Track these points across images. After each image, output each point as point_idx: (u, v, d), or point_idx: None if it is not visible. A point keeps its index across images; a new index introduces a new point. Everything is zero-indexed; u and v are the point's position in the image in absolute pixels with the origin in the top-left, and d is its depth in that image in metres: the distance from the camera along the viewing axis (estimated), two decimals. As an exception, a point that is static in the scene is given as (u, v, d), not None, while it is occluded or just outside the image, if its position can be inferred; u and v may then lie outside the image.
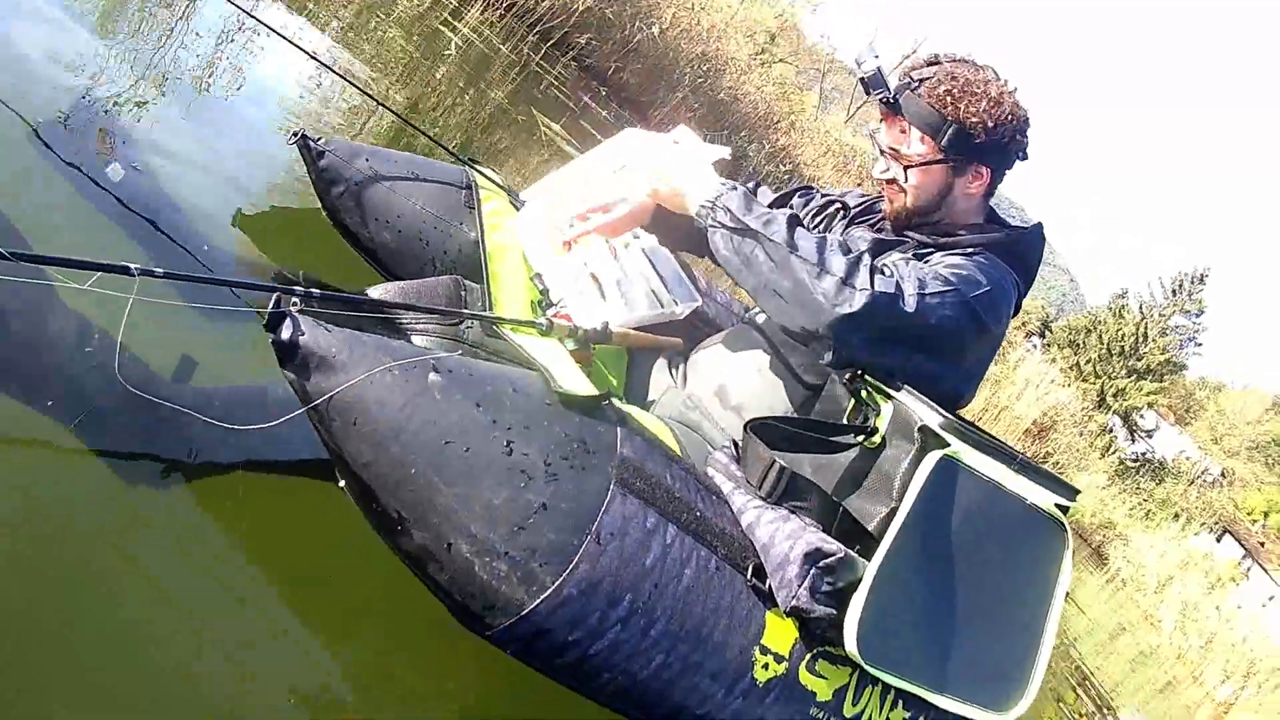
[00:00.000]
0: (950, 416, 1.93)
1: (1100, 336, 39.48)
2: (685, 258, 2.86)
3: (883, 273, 1.99)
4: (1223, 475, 49.52)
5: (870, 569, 1.81)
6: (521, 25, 9.04)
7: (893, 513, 1.87)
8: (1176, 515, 30.18)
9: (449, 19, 7.28)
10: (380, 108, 4.19)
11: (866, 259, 1.99)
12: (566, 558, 1.58)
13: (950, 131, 2.16)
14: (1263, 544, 43.74)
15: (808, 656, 1.89)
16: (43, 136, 2.30)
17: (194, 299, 1.94)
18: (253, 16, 3.20)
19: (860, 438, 2.03)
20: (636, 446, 1.77)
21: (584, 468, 1.63)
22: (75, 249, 1.41)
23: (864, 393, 2.06)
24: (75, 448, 1.65)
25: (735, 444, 2.19)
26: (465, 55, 6.73)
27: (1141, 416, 38.80)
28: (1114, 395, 37.45)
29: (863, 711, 1.98)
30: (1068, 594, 2.22)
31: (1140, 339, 38.31)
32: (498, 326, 2.02)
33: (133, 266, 1.39)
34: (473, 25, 7.67)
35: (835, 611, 1.81)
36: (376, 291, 2.24)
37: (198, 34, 3.52)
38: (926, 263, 2.17)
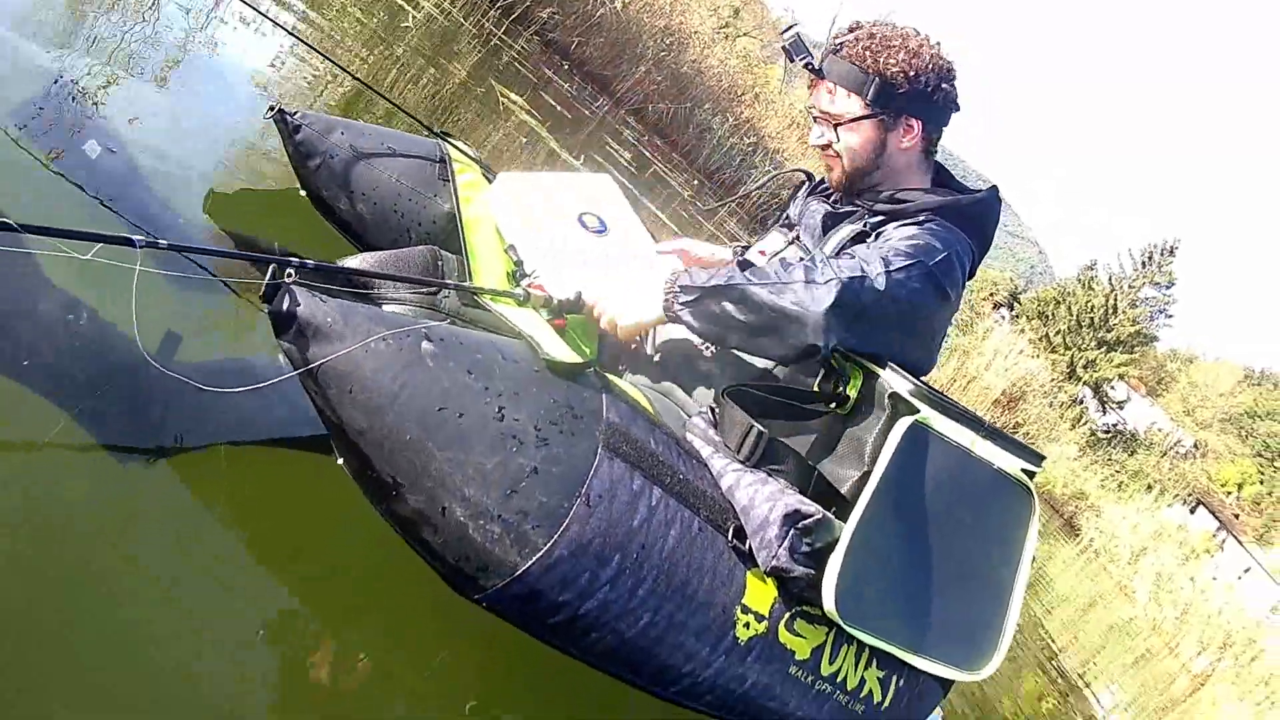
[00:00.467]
0: (920, 384, 2.03)
1: (1070, 308, 39.61)
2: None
3: (841, 259, 2.09)
4: (1195, 447, 49.87)
5: (846, 530, 1.90)
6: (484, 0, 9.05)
7: (865, 476, 1.97)
8: (1149, 487, 30.40)
9: (410, -7, 7.29)
10: (341, 78, 4.24)
11: (819, 255, 2.11)
12: (558, 520, 1.65)
13: (874, 86, 2.26)
14: (1237, 516, 44.15)
15: (786, 615, 1.98)
16: (15, 114, 2.33)
17: (185, 272, 2.00)
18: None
19: (833, 404, 2.12)
20: (621, 412, 1.85)
21: (573, 433, 1.71)
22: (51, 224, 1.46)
23: (834, 361, 2.14)
24: (60, 432, 1.67)
25: (712, 409, 2.26)
26: (427, 30, 6.73)
27: (1112, 388, 39.02)
28: (1084, 367, 37.64)
29: (839, 670, 2.08)
30: (1040, 564, 2.31)
31: (1110, 311, 38.45)
32: (479, 296, 2.09)
33: (136, 238, 1.45)
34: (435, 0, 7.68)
35: (813, 571, 1.91)
36: (354, 261, 2.30)
37: (162, 10, 3.54)
38: (881, 236, 2.25)
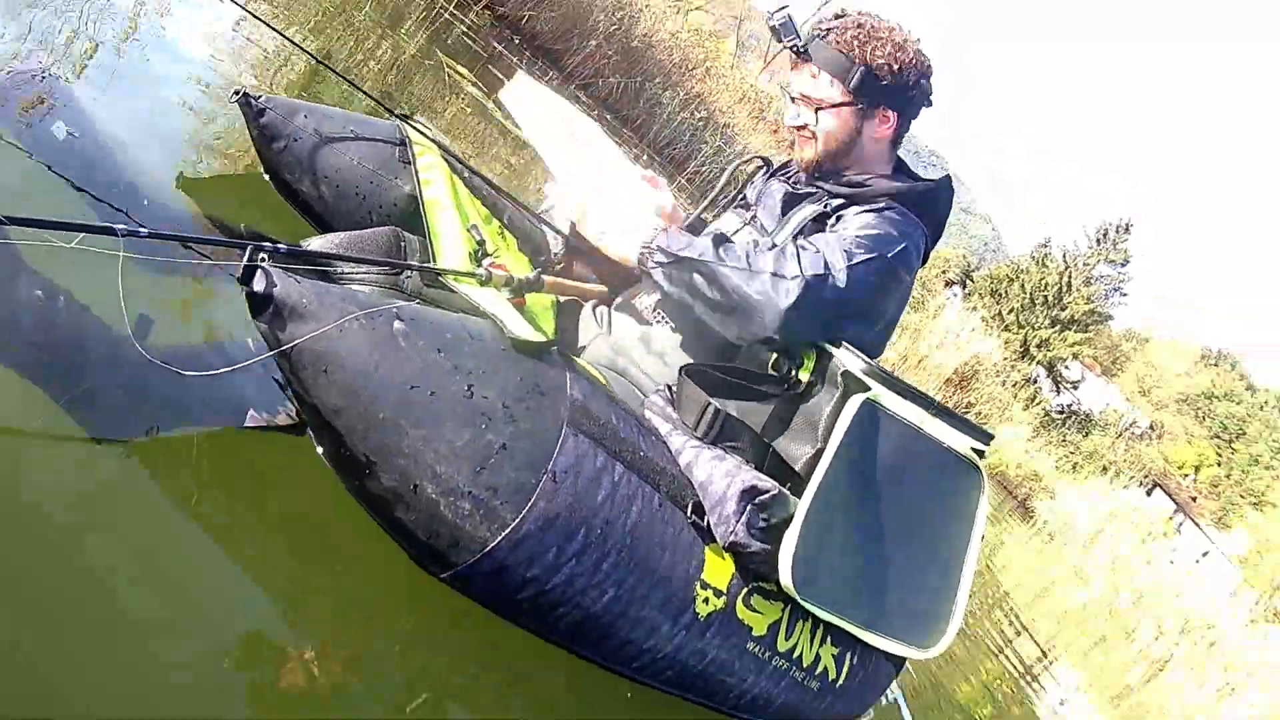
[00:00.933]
0: (871, 363, 2.14)
1: (1023, 286, 39.84)
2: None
3: (806, 250, 2.18)
4: (1152, 428, 50.35)
5: (801, 506, 2.01)
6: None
7: (819, 453, 2.07)
8: (1105, 469, 30.67)
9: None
10: (290, 57, 4.29)
11: (790, 247, 2.19)
12: (526, 495, 1.74)
13: (858, 74, 2.36)
14: (1194, 499, 44.68)
15: (744, 592, 2.08)
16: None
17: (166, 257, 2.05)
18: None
19: (786, 384, 2.23)
20: (584, 389, 1.94)
21: (539, 410, 1.80)
22: (21, 210, 1.47)
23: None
24: (35, 417, 1.68)
25: (669, 387, 2.37)
26: (379, 6, 6.74)
27: (1066, 368, 39.27)
28: (1037, 346, 37.87)
29: (795, 646, 2.20)
30: (994, 547, 2.41)
31: (1064, 289, 38.68)
32: (444, 277, 2.17)
33: (119, 227, 1.52)
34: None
35: (770, 547, 2.01)
36: (317, 242, 2.37)
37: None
38: (840, 221, 2.36)
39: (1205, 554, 35.26)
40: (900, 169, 2.59)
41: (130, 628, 1.51)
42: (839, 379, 2.14)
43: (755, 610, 2.11)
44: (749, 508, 2.00)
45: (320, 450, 1.85)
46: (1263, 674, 13.11)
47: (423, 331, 1.73)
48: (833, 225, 2.37)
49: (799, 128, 2.49)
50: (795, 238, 2.35)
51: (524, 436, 1.76)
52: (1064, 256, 40.10)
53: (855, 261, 2.18)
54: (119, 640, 1.48)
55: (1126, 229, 39.07)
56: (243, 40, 4.37)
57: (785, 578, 1.99)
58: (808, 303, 2.11)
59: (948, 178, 2.54)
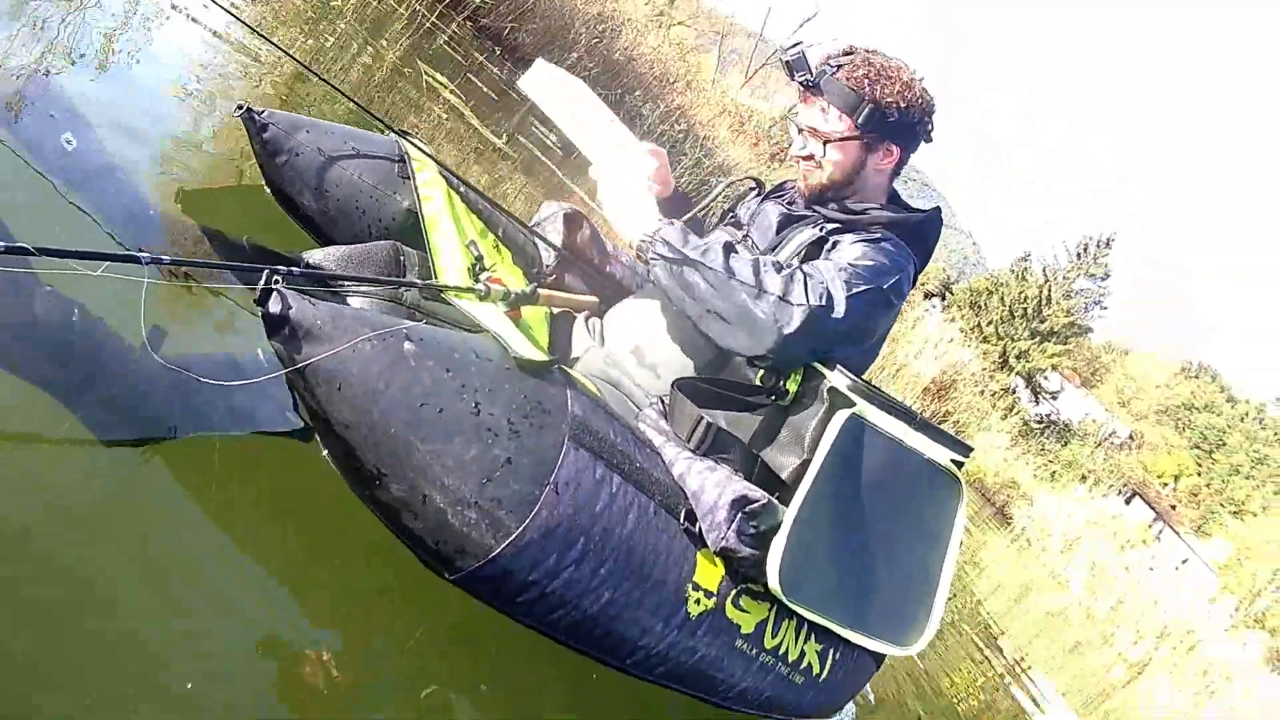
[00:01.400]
0: (857, 379, 2.25)
1: (1002, 298, 39.81)
2: (596, 220, 3.18)
3: (811, 278, 2.26)
4: (1131, 438, 50.47)
5: (789, 514, 2.12)
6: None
7: (805, 464, 2.19)
8: (1084, 477, 30.72)
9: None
10: (277, 66, 4.34)
11: (799, 274, 2.25)
12: (529, 505, 1.84)
13: (866, 110, 2.46)
14: (1173, 507, 44.77)
15: (733, 593, 2.20)
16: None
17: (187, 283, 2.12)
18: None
19: (773, 397, 2.34)
20: (584, 405, 2.04)
21: (542, 425, 1.90)
22: (32, 227, 1.54)
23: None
24: (55, 429, 1.73)
25: (662, 400, 2.46)
26: (360, 15, 6.77)
27: (1045, 378, 39.31)
28: (1016, 357, 37.87)
29: (781, 643, 2.32)
30: (972, 552, 2.49)
31: (1044, 301, 38.70)
32: (445, 293, 2.26)
33: (143, 255, 1.60)
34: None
35: (758, 552, 2.13)
36: (318, 255, 2.47)
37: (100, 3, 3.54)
38: (836, 248, 2.45)
39: (1185, 561, 35.40)
40: (893, 199, 2.69)
41: (146, 628, 1.59)
42: (825, 394, 2.25)
43: (743, 610, 2.22)
44: (739, 516, 2.10)
45: (326, 453, 1.92)
46: (1243, 678, 13.22)
47: (432, 352, 1.82)
48: (828, 250, 2.46)
49: (805, 157, 2.59)
50: (799, 262, 2.43)
51: (528, 451, 1.86)
52: (1044, 270, 40.05)
53: (854, 292, 2.26)
54: (134, 640, 1.56)
55: (1107, 244, 38.98)
56: (228, 49, 4.37)
57: (773, 581, 2.10)
58: (808, 331, 2.18)
59: (938, 209, 2.63)
